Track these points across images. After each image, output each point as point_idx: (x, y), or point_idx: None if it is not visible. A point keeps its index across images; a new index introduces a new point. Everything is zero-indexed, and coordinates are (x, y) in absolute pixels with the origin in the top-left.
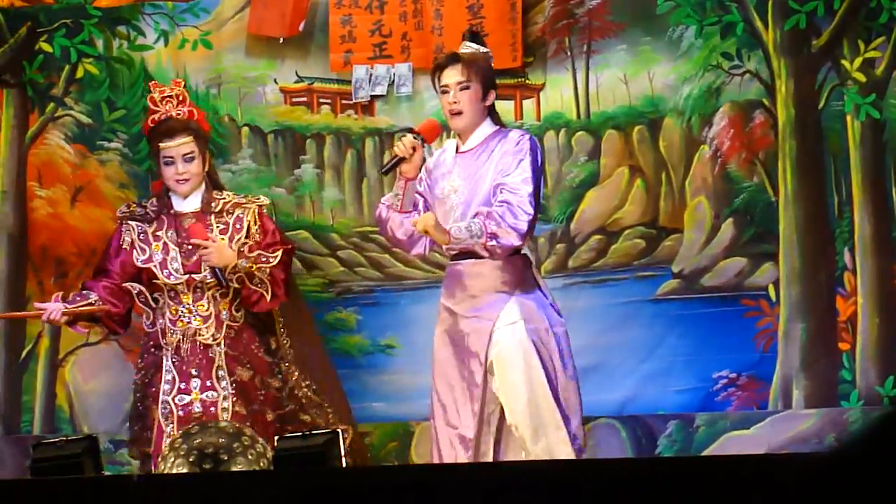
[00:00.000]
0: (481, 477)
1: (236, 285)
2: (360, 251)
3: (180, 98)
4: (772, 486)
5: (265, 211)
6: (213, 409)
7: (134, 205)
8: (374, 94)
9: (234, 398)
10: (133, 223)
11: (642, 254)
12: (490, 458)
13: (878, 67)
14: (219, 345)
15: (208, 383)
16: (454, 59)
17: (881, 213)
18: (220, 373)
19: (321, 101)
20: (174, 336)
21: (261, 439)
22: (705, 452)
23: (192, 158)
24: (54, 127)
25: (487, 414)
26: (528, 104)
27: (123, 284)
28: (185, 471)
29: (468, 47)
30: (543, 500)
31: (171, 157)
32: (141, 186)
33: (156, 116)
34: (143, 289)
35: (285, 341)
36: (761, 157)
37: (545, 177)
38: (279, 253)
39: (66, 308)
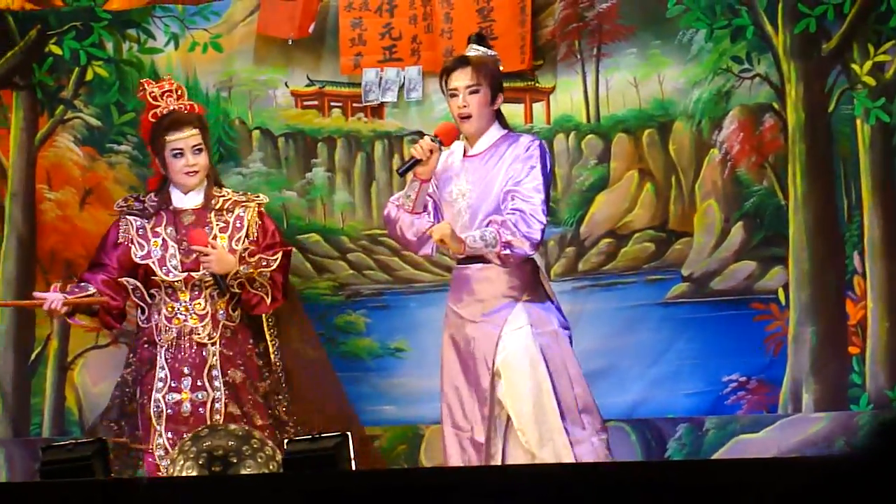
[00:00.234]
0: (489, 480)
1: (237, 290)
2: (370, 254)
3: (179, 92)
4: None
5: (264, 209)
6: (202, 409)
7: (132, 199)
8: (384, 100)
9: (227, 399)
10: (131, 218)
11: (652, 257)
12: (498, 462)
13: (888, 71)
14: (213, 344)
15: (199, 383)
16: (463, 62)
17: (891, 216)
18: (214, 372)
19: (332, 104)
20: (169, 333)
21: (270, 442)
22: (715, 456)
23: (201, 150)
24: (63, 129)
25: (495, 417)
26: (538, 107)
27: (119, 279)
28: (194, 473)
29: (475, 50)
30: None
31: (181, 149)
32: None
33: (158, 110)
34: (138, 284)
35: (274, 343)
36: (771, 160)
37: (555, 180)
38: (279, 256)
39: (67, 298)
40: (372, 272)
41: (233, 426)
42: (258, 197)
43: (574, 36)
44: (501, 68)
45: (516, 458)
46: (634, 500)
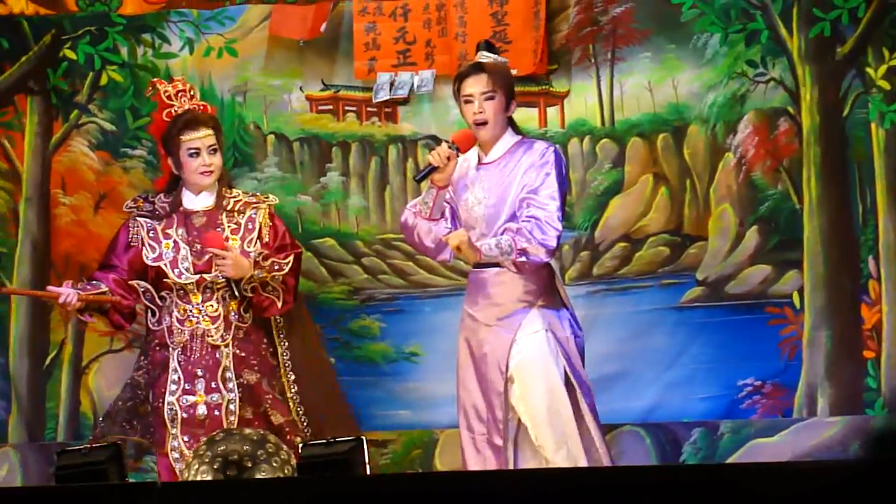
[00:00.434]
0: (504, 484)
1: (250, 294)
2: (384, 258)
3: (192, 92)
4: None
5: (275, 211)
6: (217, 412)
7: (141, 199)
8: (395, 97)
9: (241, 401)
10: (142, 220)
11: (666, 261)
12: (511, 466)
13: None
14: (227, 346)
15: (213, 385)
16: (478, 68)
17: None
18: (227, 374)
19: (347, 108)
20: (182, 336)
21: (285, 446)
22: (730, 460)
23: (216, 150)
24: (78, 134)
25: (508, 421)
26: (553, 111)
27: (130, 281)
28: (209, 478)
29: (487, 57)
30: None
31: (197, 149)
32: None
33: (172, 110)
34: (149, 287)
35: (283, 344)
36: (786, 164)
37: (569, 184)
38: (290, 259)
39: (81, 294)
40: (386, 276)
41: (248, 430)
42: (268, 198)
43: (588, 40)
44: (514, 73)
45: (529, 462)
46: None
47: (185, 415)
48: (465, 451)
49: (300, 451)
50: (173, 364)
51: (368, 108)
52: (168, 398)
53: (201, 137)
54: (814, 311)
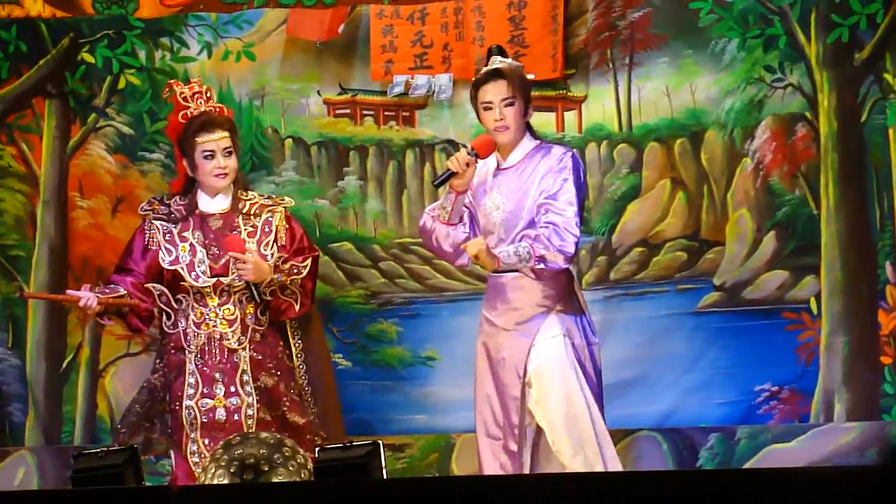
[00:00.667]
0: (521, 489)
1: (268, 298)
2: (401, 263)
3: (208, 94)
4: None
5: (291, 214)
6: (237, 416)
7: (156, 202)
8: (413, 95)
9: (259, 404)
10: (158, 223)
11: (684, 266)
12: (528, 471)
13: None
14: (244, 349)
15: (232, 389)
16: (496, 74)
17: None
18: (245, 377)
19: (364, 112)
20: (198, 339)
21: (301, 450)
22: (747, 465)
23: (231, 153)
24: (96, 137)
25: (525, 426)
26: (570, 116)
27: (146, 285)
28: (225, 482)
29: (503, 62)
30: None
31: (212, 151)
32: None
33: (188, 112)
34: (164, 290)
35: (297, 345)
36: (803, 169)
37: (587, 189)
38: (308, 262)
39: (100, 297)
40: (403, 281)
41: (264, 434)
42: (283, 200)
43: (606, 45)
44: (532, 78)
45: (546, 467)
46: None
47: (204, 419)
48: (483, 456)
49: (317, 454)
50: (190, 367)
51: (386, 112)
52: (186, 402)
53: (216, 139)
54: (831, 316)
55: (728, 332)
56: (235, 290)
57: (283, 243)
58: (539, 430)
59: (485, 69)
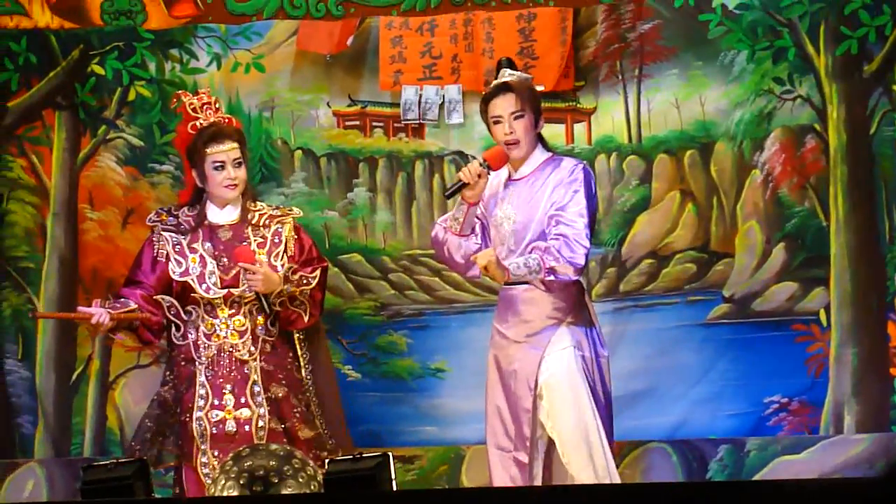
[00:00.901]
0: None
1: (278, 308)
2: (410, 274)
3: (216, 105)
4: None
5: (300, 225)
6: (247, 427)
7: (164, 213)
8: (425, 119)
9: (270, 415)
10: (166, 234)
11: (693, 278)
12: (539, 482)
13: None
14: (254, 360)
15: (242, 400)
16: (505, 88)
17: None
18: (255, 388)
19: (374, 124)
20: (209, 350)
21: (311, 462)
22: (756, 477)
23: (241, 164)
24: (106, 149)
25: (536, 438)
26: (580, 128)
27: (156, 296)
28: (235, 493)
29: (511, 74)
30: None
31: (222, 162)
32: None
33: (197, 122)
34: (174, 301)
35: (305, 357)
36: (813, 181)
37: (598, 201)
38: (318, 273)
39: (112, 313)
40: (413, 292)
41: (274, 445)
42: (292, 211)
43: (616, 57)
44: (541, 89)
45: (557, 479)
46: None
47: (214, 430)
48: (493, 468)
49: (326, 466)
50: (200, 379)
51: (395, 124)
52: (196, 413)
53: (226, 150)
54: (840, 328)
55: (737, 343)
56: (246, 301)
57: (292, 254)
58: (551, 442)
59: (494, 83)
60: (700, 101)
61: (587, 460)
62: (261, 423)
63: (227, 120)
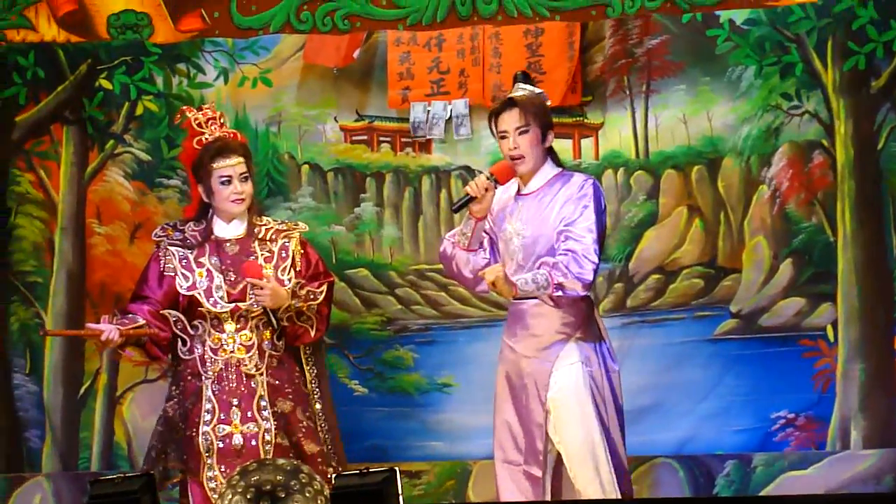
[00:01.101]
0: None
1: (285, 323)
2: (417, 289)
3: (221, 120)
4: None
5: (307, 239)
6: (254, 441)
7: (170, 227)
8: (431, 135)
9: (276, 430)
10: (173, 249)
11: (700, 293)
12: (548, 497)
13: None
14: (261, 374)
15: (249, 414)
16: (510, 103)
17: None
18: (262, 403)
19: (381, 139)
20: (216, 365)
21: (318, 477)
22: (763, 493)
23: (247, 178)
24: (113, 164)
25: (548, 452)
26: (587, 143)
27: (162, 311)
28: None
29: (522, 89)
30: None
31: (229, 177)
32: None
33: (203, 137)
34: (180, 316)
35: (311, 371)
36: (820, 197)
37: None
38: (324, 288)
39: (121, 330)
40: (420, 307)
41: (281, 460)
42: (298, 225)
43: (623, 72)
44: (549, 103)
45: (567, 494)
46: None
47: (220, 444)
48: (500, 482)
49: (333, 481)
50: (207, 393)
51: (402, 139)
52: (203, 428)
53: (233, 165)
54: (847, 343)
55: (744, 359)
56: (253, 315)
57: (300, 269)
58: (559, 457)
59: (501, 98)
60: (707, 116)
61: (593, 475)
62: (267, 438)
63: (232, 134)
